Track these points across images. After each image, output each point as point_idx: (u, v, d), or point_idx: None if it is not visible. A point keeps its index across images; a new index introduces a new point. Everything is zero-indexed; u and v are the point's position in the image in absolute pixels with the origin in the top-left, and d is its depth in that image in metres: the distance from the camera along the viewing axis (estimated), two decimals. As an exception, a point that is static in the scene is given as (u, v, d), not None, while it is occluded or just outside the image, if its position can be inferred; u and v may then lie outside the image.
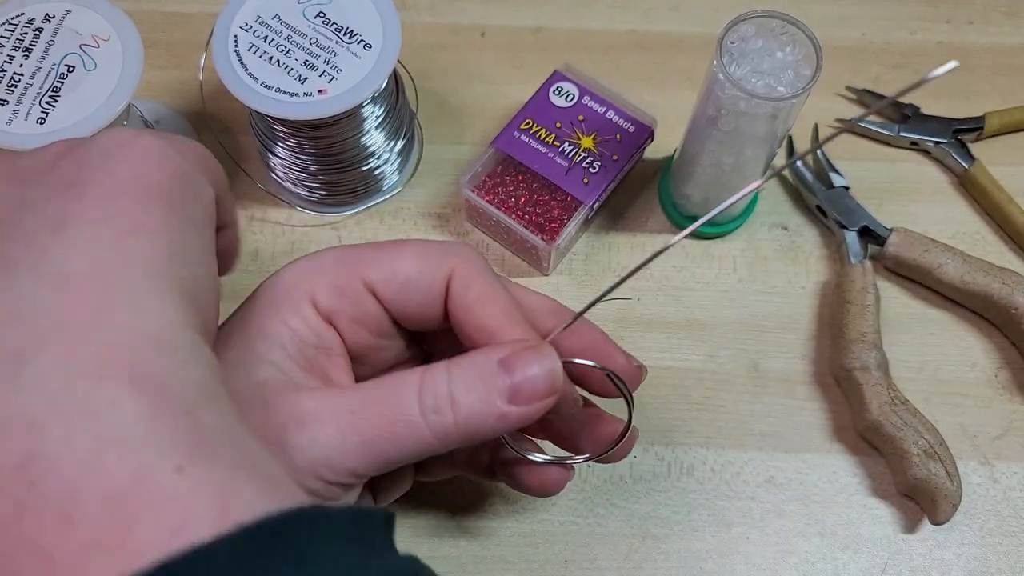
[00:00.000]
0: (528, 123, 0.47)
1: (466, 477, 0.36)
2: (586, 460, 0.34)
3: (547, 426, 0.35)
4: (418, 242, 0.31)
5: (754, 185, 0.27)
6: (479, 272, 0.30)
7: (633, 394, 0.33)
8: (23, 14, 0.42)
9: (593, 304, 0.29)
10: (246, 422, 0.21)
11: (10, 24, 0.42)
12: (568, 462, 0.34)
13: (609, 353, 0.33)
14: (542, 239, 0.45)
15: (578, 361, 0.31)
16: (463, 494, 0.43)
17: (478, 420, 0.27)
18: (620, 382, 0.32)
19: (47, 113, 0.40)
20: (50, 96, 0.41)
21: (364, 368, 0.31)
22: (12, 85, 0.41)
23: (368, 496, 0.32)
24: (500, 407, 0.27)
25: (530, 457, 0.33)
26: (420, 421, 0.26)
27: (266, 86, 0.41)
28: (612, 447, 0.33)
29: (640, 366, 0.34)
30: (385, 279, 0.29)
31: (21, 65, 0.41)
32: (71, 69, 0.41)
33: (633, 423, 0.33)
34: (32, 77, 0.41)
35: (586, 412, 0.35)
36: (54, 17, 0.42)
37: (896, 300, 0.48)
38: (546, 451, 0.34)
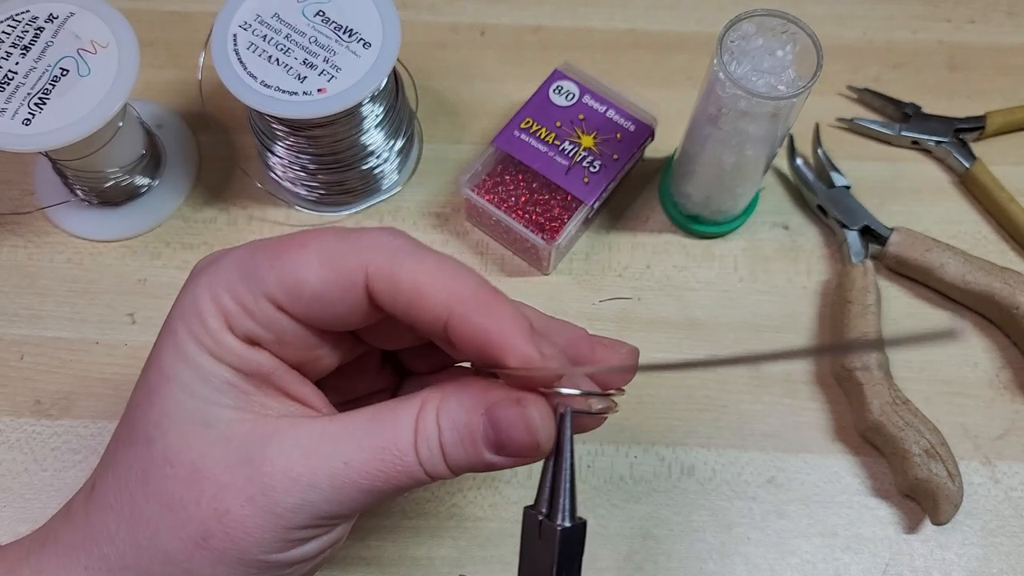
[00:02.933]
0: (528, 122, 0.47)
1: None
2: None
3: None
4: (323, 236, 0.27)
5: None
6: (401, 260, 0.26)
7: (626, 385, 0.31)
8: (28, 11, 0.42)
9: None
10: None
11: (13, 20, 0.42)
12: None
13: (591, 351, 0.30)
14: (542, 238, 0.45)
15: (565, 391, 0.27)
16: (463, 494, 0.43)
17: (468, 466, 0.27)
18: (605, 397, 0.29)
19: (34, 115, 0.40)
20: (39, 98, 0.41)
21: (312, 375, 0.29)
22: (4, 83, 0.41)
23: None
24: (488, 458, 0.27)
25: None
26: (418, 469, 0.26)
27: (265, 85, 0.41)
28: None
29: (629, 353, 0.31)
30: (289, 294, 0.26)
31: (17, 63, 0.41)
32: (65, 73, 0.41)
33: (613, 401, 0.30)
34: (25, 77, 0.41)
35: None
36: (57, 18, 0.42)
37: (897, 300, 0.48)
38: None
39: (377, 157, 0.48)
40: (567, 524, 0.26)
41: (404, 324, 0.27)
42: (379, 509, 0.42)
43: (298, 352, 0.28)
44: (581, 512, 0.27)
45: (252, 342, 0.27)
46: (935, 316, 0.47)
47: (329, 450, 0.26)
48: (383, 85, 0.44)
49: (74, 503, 0.28)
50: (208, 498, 0.25)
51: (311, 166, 0.46)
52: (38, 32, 0.42)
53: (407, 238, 0.27)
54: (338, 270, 0.26)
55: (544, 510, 0.26)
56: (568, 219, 0.46)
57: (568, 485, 0.26)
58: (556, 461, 0.27)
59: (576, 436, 0.45)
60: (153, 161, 0.49)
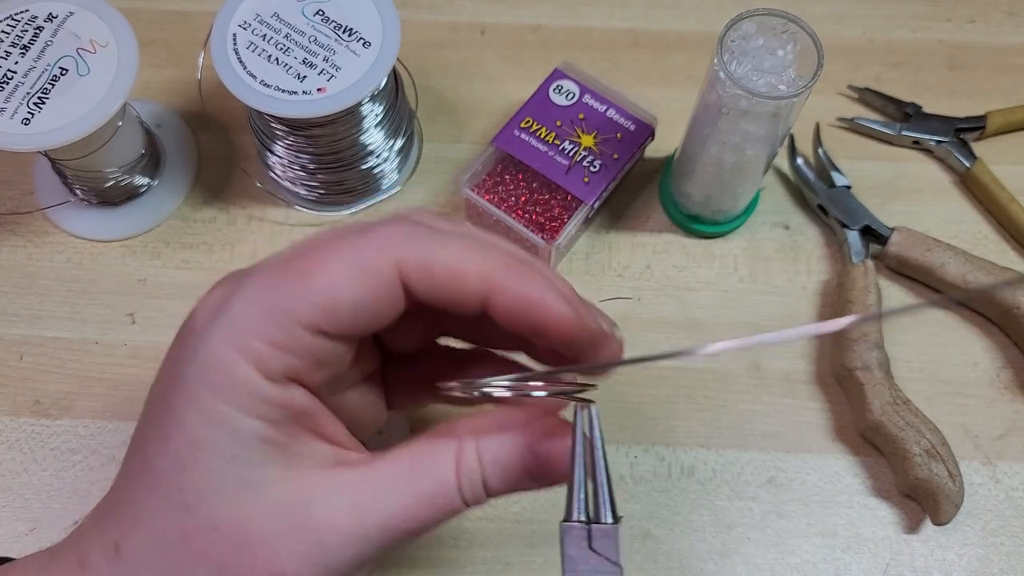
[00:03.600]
0: (528, 121, 0.47)
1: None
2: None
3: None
4: (340, 243, 0.25)
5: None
6: (431, 248, 0.25)
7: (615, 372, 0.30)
8: (27, 11, 0.42)
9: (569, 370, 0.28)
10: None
11: (13, 19, 0.42)
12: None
13: (546, 312, 0.26)
14: (542, 238, 0.45)
15: (537, 394, 0.27)
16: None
17: (507, 493, 0.28)
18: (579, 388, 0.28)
19: (33, 115, 0.40)
20: (39, 98, 0.41)
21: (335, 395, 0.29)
22: (4, 82, 0.41)
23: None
24: (527, 485, 0.27)
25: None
26: (461, 506, 0.27)
27: (265, 84, 0.41)
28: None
29: (599, 330, 0.28)
30: (326, 314, 0.25)
31: (16, 63, 0.41)
32: (64, 72, 0.41)
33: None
34: (25, 76, 0.41)
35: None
36: (56, 17, 0.42)
37: (898, 300, 0.48)
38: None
39: (377, 157, 0.47)
40: (617, 519, 0.25)
41: (430, 314, 0.27)
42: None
43: (333, 370, 0.27)
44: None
45: (289, 378, 0.25)
46: (935, 316, 0.47)
47: (377, 502, 0.26)
48: (383, 84, 0.44)
49: (90, 558, 0.26)
50: (262, 562, 0.25)
51: (311, 166, 0.46)
52: (37, 31, 0.42)
53: (419, 221, 0.27)
54: (371, 275, 0.25)
55: (581, 517, 0.25)
56: (568, 219, 0.46)
57: (607, 481, 0.26)
58: (592, 460, 0.26)
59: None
60: (153, 161, 0.49)
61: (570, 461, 0.26)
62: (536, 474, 0.27)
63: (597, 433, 0.26)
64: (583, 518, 0.25)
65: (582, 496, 0.25)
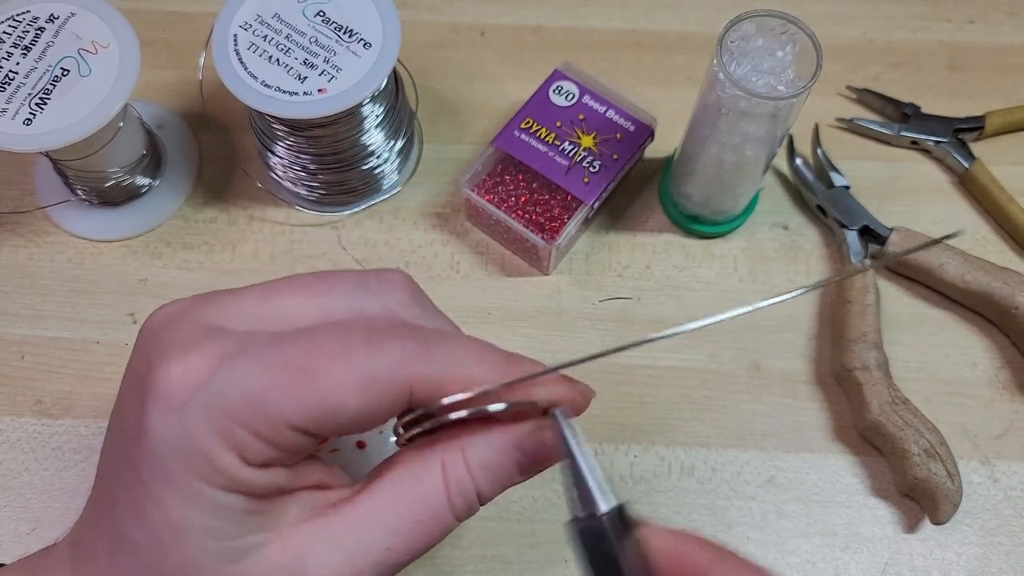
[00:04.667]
0: (528, 122, 0.47)
1: None
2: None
3: None
4: (348, 348, 0.24)
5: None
6: (442, 363, 0.24)
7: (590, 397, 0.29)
8: (28, 12, 0.42)
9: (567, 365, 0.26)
10: None
11: (14, 20, 0.42)
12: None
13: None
14: (542, 238, 0.45)
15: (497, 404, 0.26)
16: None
17: (499, 493, 0.27)
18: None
19: (34, 115, 0.40)
20: (40, 98, 0.41)
21: None
22: (5, 83, 0.41)
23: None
24: (518, 480, 0.27)
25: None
26: (454, 522, 0.26)
27: (266, 85, 0.41)
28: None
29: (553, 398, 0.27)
30: (318, 423, 0.24)
31: (18, 64, 0.41)
32: (66, 73, 0.41)
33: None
34: (26, 77, 0.41)
35: None
36: (58, 18, 0.42)
37: (897, 300, 0.48)
38: None
39: (377, 157, 0.48)
40: (615, 504, 0.24)
41: None
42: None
43: (312, 450, 0.26)
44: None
45: (270, 464, 0.24)
46: (934, 316, 0.47)
47: (368, 543, 0.25)
48: (383, 85, 0.44)
49: None
50: None
51: (311, 166, 0.46)
52: (39, 32, 0.42)
53: (420, 326, 0.26)
54: (379, 391, 0.24)
55: (581, 514, 0.24)
56: (568, 219, 0.46)
57: (592, 474, 0.25)
58: (572, 459, 0.25)
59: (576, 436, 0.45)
60: (154, 161, 0.49)
61: (566, 459, 0.25)
62: (528, 469, 0.26)
63: (569, 434, 0.26)
64: (582, 513, 0.25)
65: (576, 490, 0.25)
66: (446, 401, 0.25)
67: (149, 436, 0.23)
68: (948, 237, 0.25)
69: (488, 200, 0.46)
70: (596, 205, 0.46)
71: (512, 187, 0.47)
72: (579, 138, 0.47)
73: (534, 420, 0.26)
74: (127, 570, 0.25)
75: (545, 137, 0.46)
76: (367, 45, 0.42)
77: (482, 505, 0.27)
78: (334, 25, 0.43)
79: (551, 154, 0.46)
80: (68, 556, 0.27)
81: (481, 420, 0.26)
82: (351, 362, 0.23)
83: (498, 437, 0.26)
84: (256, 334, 0.25)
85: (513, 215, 0.46)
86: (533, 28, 0.55)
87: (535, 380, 0.25)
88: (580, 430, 0.26)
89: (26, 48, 0.42)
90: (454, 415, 0.25)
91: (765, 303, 0.24)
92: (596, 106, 0.47)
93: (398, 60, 0.43)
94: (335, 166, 0.46)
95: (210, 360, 0.23)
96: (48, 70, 0.41)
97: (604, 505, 0.24)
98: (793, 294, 0.25)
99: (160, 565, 0.24)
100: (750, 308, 0.24)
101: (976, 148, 0.51)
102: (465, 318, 0.47)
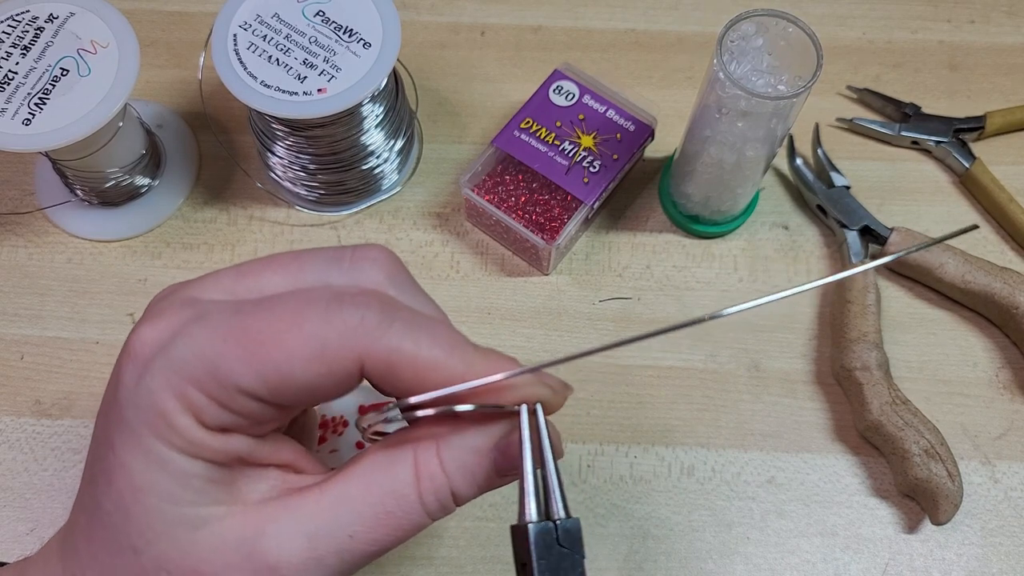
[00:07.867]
0: (528, 122, 0.47)
1: None
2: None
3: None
4: (302, 314, 0.24)
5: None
6: (398, 343, 0.24)
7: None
8: (28, 11, 0.42)
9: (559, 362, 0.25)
10: None
11: (14, 20, 0.42)
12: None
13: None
14: (542, 239, 0.45)
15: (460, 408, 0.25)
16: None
17: (476, 497, 0.26)
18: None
19: (34, 115, 0.40)
20: (39, 98, 0.41)
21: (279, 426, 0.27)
22: (5, 83, 0.41)
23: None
24: (498, 483, 0.26)
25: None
26: (425, 519, 0.26)
27: (265, 85, 0.41)
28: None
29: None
30: (272, 389, 0.24)
31: (17, 63, 0.41)
32: (65, 72, 0.41)
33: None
34: (26, 77, 0.41)
35: None
36: (57, 18, 0.42)
37: (897, 300, 0.48)
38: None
39: (377, 157, 0.48)
40: (570, 516, 0.25)
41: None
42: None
43: (273, 425, 0.26)
44: (581, 512, 0.27)
45: (227, 430, 0.25)
46: (935, 316, 0.47)
47: (332, 528, 0.25)
48: (383, 85, 0.44)
49: None
50: None
51: (311, 166, 0.46)
52: (38, 32, 0.42)
53: (391, 298, 0.25)
54: (329, 363, 0.24)
55: (535, 518, 0.24)
56: (568, 219, 0.46)
57: (558, 477, 0.25)
58: (541, 459, 0.25)
59: (576, 436, 0.46)
60: (153, 161, 0.49)
61: (520, 461, 0.25)
62: (507, 471, 0.26)
63: (544, 432, 0.25)
64: (535, 517, 0.24)
65: (533, 492, 0.25)
66: (413, 400, 0.24)
67: (120, 394, 0.24)
68: (966, 230, 0.25)
69: (488, 200, 0.46)
70: (596, 205, 0.46)
71: (512, 187, 0.47)
72: (579, 138, 0.47)
73: (512, 419, 0.26)
74: (100, 540, 0.25)
75: (545, 137, 0.46)
76: (367, 45, 0.42)
77: (460, 504, 0.26)
78: (334, 25, 0.42)
79: (551, 154, 0.46)
80: (57, 540, 0.28)
81: (452, 418, 0.25)
82: (302, 330, 0.23)
83: (474, 436, 0.26)
84: (220, 303, 0.25)
85: (513, 215, 0.46)
86: (533, 28, 0.55)
87: (507, 381, 0.24)
88: (552, 431, 0.26)
89: (25, 48, 0.42)
90: (420, 413, 0.24)
91: (779, 295, 0.24)
92: (596, 106, 0.47)
93: (398, 60, 0.43)
94: (335, 166, 0.46)
95: (175, 324, 0.24)
96: (47, 70, 0.41)
97: (531, 517, 0.24)
98: (820, 282, 0.25)
99: (124, 528, 0.24)
100: (757, 302, 0.24)
101: (976, 148, 0.51)
102: (465, 318, 0.47)
